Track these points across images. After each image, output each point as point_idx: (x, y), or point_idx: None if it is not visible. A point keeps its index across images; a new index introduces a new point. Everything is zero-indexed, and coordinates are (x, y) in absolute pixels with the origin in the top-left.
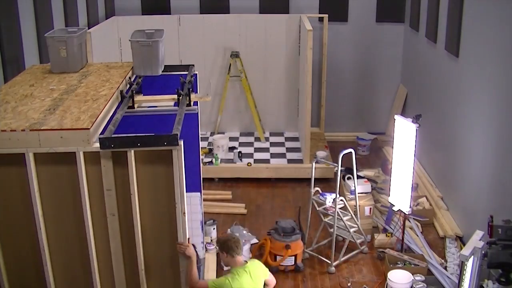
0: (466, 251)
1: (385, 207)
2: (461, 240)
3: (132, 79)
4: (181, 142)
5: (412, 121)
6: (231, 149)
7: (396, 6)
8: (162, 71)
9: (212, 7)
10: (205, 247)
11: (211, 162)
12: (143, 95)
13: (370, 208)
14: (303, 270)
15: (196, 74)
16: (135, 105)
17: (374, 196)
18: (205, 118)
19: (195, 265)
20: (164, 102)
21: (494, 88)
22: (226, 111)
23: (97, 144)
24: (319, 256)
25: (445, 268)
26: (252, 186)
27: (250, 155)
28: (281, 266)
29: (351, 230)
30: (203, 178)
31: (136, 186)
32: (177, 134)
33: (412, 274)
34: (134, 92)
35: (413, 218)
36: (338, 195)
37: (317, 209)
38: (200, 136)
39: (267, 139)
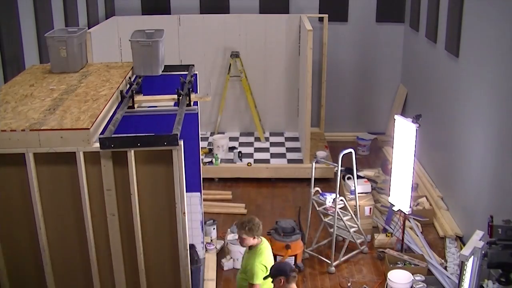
0: (466, 251)
1: (385, 207)
2: (461, 240)
3: (132, 79)
4: (181, 142)
5: (412, 121)
6: (231, 149)
7: (396, 6)
8: (162, 71)
9: (212, 7)
10: (205, 247)
11: (211, 162)
12: (143, 95)
13: (370, 208)
14: (303, 270)
15: (196, 74)
16: (135, 105)
17: (374, 196)
18: (205, 118)
19: None
20: (164, 102)
21: (494, 88)
22: (226, 111)
23: (97, 144)
24: (319, 256)
25: (445, 268)
26: (252, 186)
27: (250, 155)
28: None
29: (351, 230)
30: (203, 178)
31: (136, 186)
32: (177, 134)
33: (412, 274)
34: (134, 92)
35: (413, 218)
36: (338, 195)
37: (317, 209)
38: (200, 136)
39: (267, 139)
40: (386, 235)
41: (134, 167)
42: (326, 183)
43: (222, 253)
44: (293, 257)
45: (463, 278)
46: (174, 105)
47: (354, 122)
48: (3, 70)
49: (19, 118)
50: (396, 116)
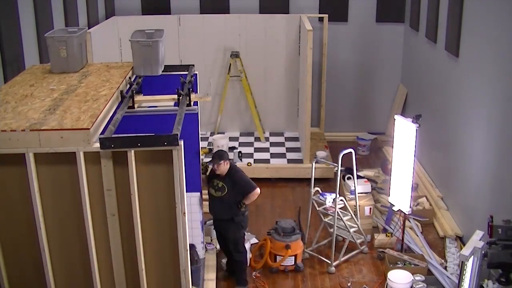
0: (466, 251)
1: (385, 207)
2: (461, 240)
3: (132, 79)
4: (181, 142)
5: (412, 121)
6: (231, 149)
7: (396, 6)
8: (162, 71)
9: (212, 7)
10: (205, 247)
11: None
12: (143, 95)
13: (370, 208)
14: (303, 270)
15: (196, 74)
16: (135, 105)
17: (374, 196)
18: (205, 118)
19: None
20: (164, 102)
21: (494, 88)
22: (226, 111)
23: (97, 144)
24: (319, 256)
25: (445, 268)
26: None
27: (250, 155)
28: (281, 266)
29: (351, 230)
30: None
31: (136, 186)
32: (177, 134)
33: (412, 274)
34: (134, 92)
35: (413, 218)
36: (338, 195)
37: (317, 209)
38: (200, 136)
39: (267, 139)
40: (386, 235)
41: (134, 167)
42: (326, 183)
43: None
44: (293, 257)
45: (463, 278)
46: (174, 105)
47: (354, 122)
48: (3, 70)
49: (19, 118)
50: (396, 116)
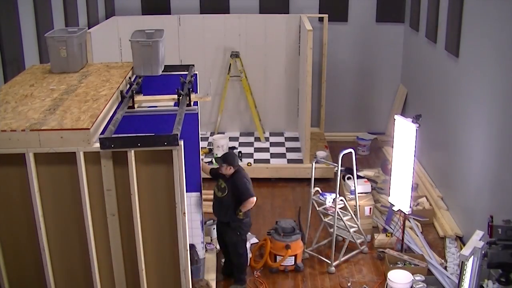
0: (466, 251)
1: (385, 207)
2: (461, 240)
3: (132, 79)
4: (181, 142)
5: (412, 121)
6: (231, 149)
7: (396, 6)
8: (162, 71)
9: (212, 7)
10: (205, 247)
11: (211, 162)
12: (143, 95)
13: (370, 208)
14: (303, 270)
15: (196, 74)
16: (135, 105)
17: (374, 196)
18: (205, 118)
19: None
20: (164, 102)
21: (494, 88)
22: (226, 111)
23: (97, 144)
24: (319, 256)
25: (445, 268)
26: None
27: (250, 155)
28: (281, 266)
29: (351, 230)
30: (203, 178)
31: (136, 186)
32: (177, 134)
33: (412, 274)
34: (134, 92)
35: (413, 218)
36: (338, 195)
37: (317, 209)
38: (200, 136)
39: (267, 139)
40: (386, 235)
41: (134, 167)
42: (326, 183)
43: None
44: (293, 257)
45: (463, 278)
46: (174, 105)
47: (354, 122)
48: (3, 70)
49: (19, 118)
50: (396, 116)
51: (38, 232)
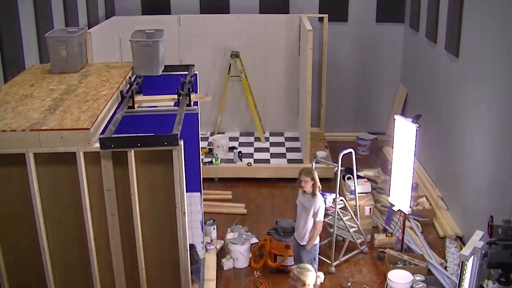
0: (466, 251)
1: (385, 207)
2: (461, 240)
3: (132, 79)
4: (181, 142)
5: (412, 121)
6: (231, 149)
7: (396, 6)
8: (162, 71)
9: (212, 7)
10: (205, 247)
11: (211, 162)
12: (143, 95)
13: (370, 208)
14: None
15: (196, 74)
16: (135, 105)
17: (374, 196)
18: (205, 118)
19: None
20: (164, 102)
21: (494, 88)
22: (226, 111)
23: (97, 144)
24: (319, 256)
25: (445, 268)
26: (252, 186)
27: (250, 155)
28: (281, 266)
29: (351, 230)
30: (203, 178)
31: (136, 186)
32: (177, 134)
33: (412, 274)
34: (134, 92)
35: (413, 218)
36: (338, 195)
37: None
38: (200, 136)
39: (267, 139)
40: (386, 235)
41: (134, 167)
42: (326, 183)
43: (222, 253)
44: (293, 257)
45: (463, 278)
46: (174, 105)
47: (354, 122)
48: (3, 70)
49: (19, 118)
50: (396, 116)
51: (38, 232)
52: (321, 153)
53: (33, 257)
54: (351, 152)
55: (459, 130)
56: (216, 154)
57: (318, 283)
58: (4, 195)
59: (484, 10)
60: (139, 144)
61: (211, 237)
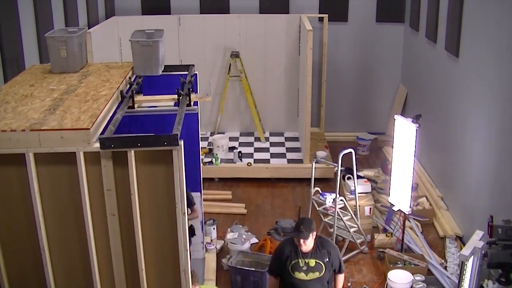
0: (466, 251)
1: (385, 207)
2: (461, 240)
3: (132, 79)
4: (181, 142)
5: (412, 121)
6: (231, 149)
7: (396, 6)
8: (162, 71)
9: (212, 7)
10: (205, 247)
11: (211, 162)
12: (143, 95)
13: (370, 208)
14: None
15: (196, 74)
16: (135, 105)
17: (374, 196)
18: (205, 118)
19: None
20: (164, 102)
21: (494, 88)
22: (226, 111)
23: (97, 144)
24: None
25: (445, 268)
26: (252, 186)
27: (250, 155)
28: None
29: (351, 230)
30: (203, 178)
31: (136, 186)
32: (177, 134)
33: (412, 274)
34: (134, 92)
35: (413, 218)
36: (338, 195)
37: (317, 209)
38: (200, 136)
39: (267, 139)
40: (386, 235)
41: (134, 167)
42: (326, 183)
43: (222, 253)
44: None
45: (463, 278)
46: (174, 105)
47: (354, 122)
48: (3, 70)
49: (19, 118)
50: (396, 116)
51: (38, 232)
52: (321, 153)
53: (33, 257)
54: (351, 152)
55: (459, 130)
56: (216, 154)
57: None
58: (4, 195)
59: (484, 11)
60: (139, 144)
61: (211, 237)
